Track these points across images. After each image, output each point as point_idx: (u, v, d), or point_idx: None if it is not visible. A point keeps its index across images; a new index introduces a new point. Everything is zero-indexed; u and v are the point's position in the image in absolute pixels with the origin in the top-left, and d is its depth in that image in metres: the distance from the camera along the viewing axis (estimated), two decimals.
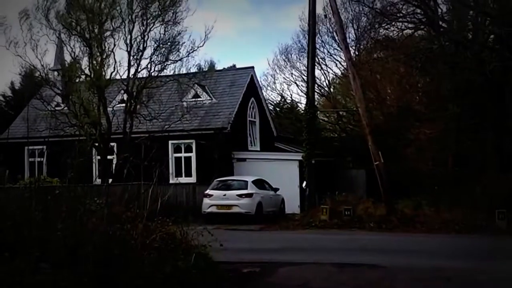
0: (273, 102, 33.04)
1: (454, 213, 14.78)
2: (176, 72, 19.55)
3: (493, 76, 17.19)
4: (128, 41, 18.25)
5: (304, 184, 18.55)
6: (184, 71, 19.57)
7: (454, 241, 12.64)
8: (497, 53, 17.68)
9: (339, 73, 29.30)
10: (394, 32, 19.86)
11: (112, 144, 19.08)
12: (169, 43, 18.60)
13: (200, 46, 18.56)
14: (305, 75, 23.47)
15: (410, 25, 19.09)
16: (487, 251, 10.89)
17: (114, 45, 18.09)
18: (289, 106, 33.20)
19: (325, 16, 24.95)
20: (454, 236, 13.28)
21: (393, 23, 19.11)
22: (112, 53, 18.05)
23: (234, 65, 26.85)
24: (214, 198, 16.46)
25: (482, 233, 13.32)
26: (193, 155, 20.97)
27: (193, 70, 19.97)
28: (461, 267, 8.46)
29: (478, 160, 17.96)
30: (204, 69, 20.51)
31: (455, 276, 7.75)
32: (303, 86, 28.89)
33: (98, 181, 16.66)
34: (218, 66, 25.45)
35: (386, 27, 19.67)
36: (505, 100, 18.00)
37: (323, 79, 29.61)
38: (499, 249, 11.23)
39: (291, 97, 33.54)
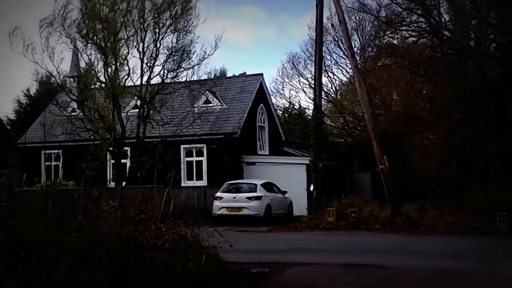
0: (282, 108, 33.03)
1: (457, 216, 14.59)
2: (188, 79, 19.60)
3: (494, 83, 16.99)
4: (141, 49, 18.34)
5: (311, 187, 18.43)
6: (196, 78, 19.62)
7: (457, 243, 12.47)
8: (498, 61, 17.49)
9: (346, 80, 29.22)
10: (399, 40, 19.75)
11: (126, 148, 19.14)
12: (181, 51, 18.66)
13: (211, 54, 18.61)
14: (313, 82, 23.39)
15: (414, 33, 18.96)
16: (489, 252, 10.76)
17: (128, 53, 18.20)
18: (297, 112, 33.13)
19: (332, 25, 24.91)
20: (457, 238, 13.10)
21: (397, 31, 19.00)
22: (126, 61, 18.16)
23: (245, 73, 26.81)
24: (224, 201, 16.40)
25: (484, 235, 13.15)
26: (204, 159, 20.96)
27: (205, 77, 20.02)
28: (463, 267, 8.35)
29: (480, 164, 17.71)
30: (215, 76, 20.56)
31: (458, 276, 7.64)
32: (310, 93, 28.84)
33: (112, 184, 16.70)
34: (232, 73, 25.55)
35: (390, 35, 19.57)
36: (506, 107, 17.79)
37: (330, 86, 29.55)
38: (500, 250, 11.10)
39: (299, 103, 33.53)
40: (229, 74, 24.82)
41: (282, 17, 57.42)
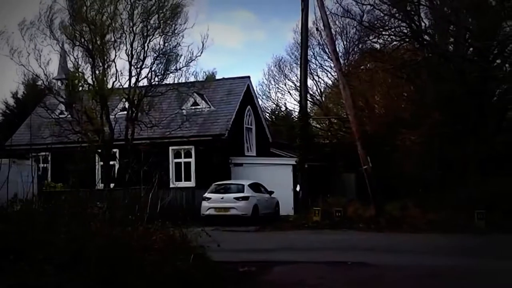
0: (268, 110, 33.12)
1: (438, 214, 14.78)
2: (176, 81, 19.46)
3: (473, 86, 17.25)
4: (129, 52, 18.13)
5: (297, 187, 18.49)
6: (184, 80, 19.49)
7: (438, 240, 12.63)
8: (476, 65, 17.77)
9: (330, 83, 29.41)
10: (381, 44, 19.96)
11: (114, 150, 18.92)
12: (168, 54, 18.48)
13: (198, 56, 18.45)
14: (298, 85, 23.48)
15: (396, 38, 19.17)
16: (468, 248, 10.91)
17: (115, 55, 17.97)
18: (284, 114, 33.23)
19: (317, 29, 25.02)
20: (438, 235, 13.26)
21: (380, 36, 19.19)
22: (113, 63, 17.94)
23: (236, 76, 26.63)
24: (212, 201, 16.35)
25: (464, 232, 13.34)
26: (192, 160, 20.86)
27: (193, 79, 19.89)
28: (444, 264, 8.47)
29: (460, 164, 17.97)
30: (203, 79, 20.47)
31: (440, 272, 7.73)
32: (296, 95, 28.94)
33: (101, 185, 16.51)
34: (223, 77, 25.29)
35: (373, 39, 19.77)
36: (484, 108, 18.08)
37: (315, 88, 29.74)
38: (478, 246, 11.26)
39: (285, 106, 33.66)
40: (218, 77, 24.61)
41: (273, 21, 57.55)
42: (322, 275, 7.73)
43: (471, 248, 11.07)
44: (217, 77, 24.16)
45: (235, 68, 68.23)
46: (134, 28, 17.95)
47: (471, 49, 19.01)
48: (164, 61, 18.51)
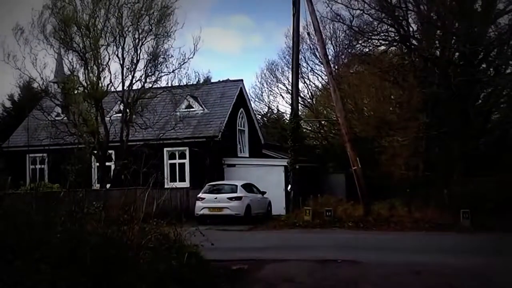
0: (261, 112, 33.18)
1: (424, 213, 14.92)
2: (170, 83, 19.43)
3: (457, 90, 17.43)
4: (121, 55, 18.05)
5: (289, 187, 18.54)
6: (177, 82, 19.47)
7: (424, 238, 12.74)
8: (461, 69, 17.96)
9: (321, 86, 29.54)
10: (370, 48, 20.09)
11: (110, 151, 18.85)
12: (160, 56, 18.41)
13: (191, 58, 18.39)
14: (290, 88, 23.56)
15: (384, 42, 19.33)
16: (453, 247, 11.01)
17: (109, 58, 17.87)
18: (276, 116, 33.32)
19: (308, 33, 25.16)
20: (424, 234, 13.39)
21: (369, 40, 19.32)
22: (107, 66, 17.83)
23: (228, 79, 26.72)
24: (206, 201, 16.35)
25: (449, 231, 13.47)
26: (186, 161, 20.86)
27: (187, 81, 19.84)
28: (430, 261, 8.54)
29: (445, 165, 18.13)
30: (196, 82, 20.44)
31: (425, 270, 7.80)
32: (288, 98, 29.04)
33: (97, 186, 16.44)
34: (218, 80, 25.25)
35: (362, 44, 19.88)
36: (468, 111, 18.26)
37: (306, 91, 29.84)
38: (463, 245, 11.36)
39: (277, 108, 33.77)
40: (213, 80, 24.59)
41: (268, 26, 57.79)
42: (312, 272, 7.78)
43: (456, 246, 11.18)
44: (212, 80, 24.22)
45: (231, 71, 68.40)
46: (124, 31, 17.85)
47: (456, 53, 19.21)
48: (157, 63, 18.44)
